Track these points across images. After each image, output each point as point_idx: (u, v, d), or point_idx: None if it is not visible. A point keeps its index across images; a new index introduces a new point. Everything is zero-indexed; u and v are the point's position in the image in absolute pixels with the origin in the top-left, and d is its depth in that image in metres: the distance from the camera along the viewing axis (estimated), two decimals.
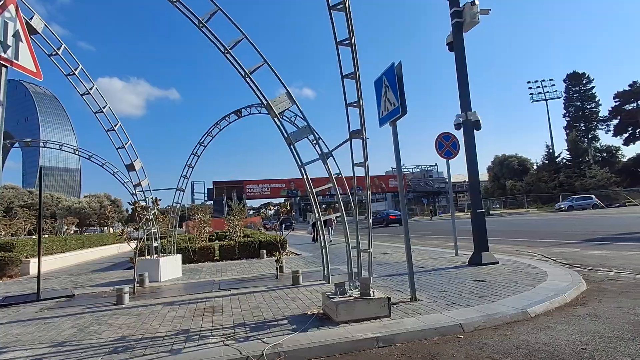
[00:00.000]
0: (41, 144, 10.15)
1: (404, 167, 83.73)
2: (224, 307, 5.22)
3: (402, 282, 6.09)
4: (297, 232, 30.32)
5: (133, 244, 7.09)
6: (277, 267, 7.70)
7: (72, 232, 35.36)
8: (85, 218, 46.22)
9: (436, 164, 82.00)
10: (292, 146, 4.45)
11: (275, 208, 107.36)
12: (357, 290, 4.57)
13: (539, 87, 61.30)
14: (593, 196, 38.68)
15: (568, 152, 52.47)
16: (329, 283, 4.09)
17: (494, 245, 10.91)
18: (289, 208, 7.77)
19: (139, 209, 7.30)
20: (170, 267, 8.58)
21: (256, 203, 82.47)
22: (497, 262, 7.49)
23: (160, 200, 7.68)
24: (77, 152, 9.91)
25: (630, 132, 53.35)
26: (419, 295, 5.03)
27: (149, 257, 8.60)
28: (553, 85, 61.06)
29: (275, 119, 4.44)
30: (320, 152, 4.53)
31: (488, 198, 55.41)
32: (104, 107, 7.46)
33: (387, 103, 5.18)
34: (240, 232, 13.67)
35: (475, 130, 7.94)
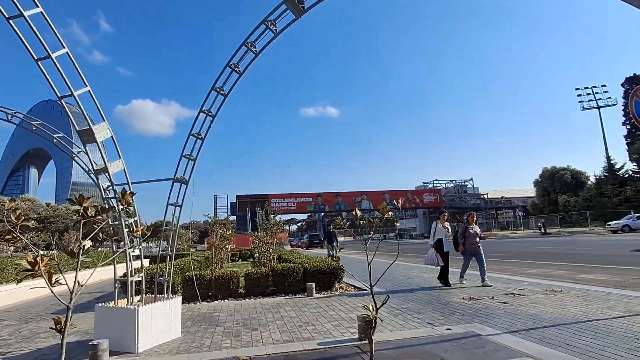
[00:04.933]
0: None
1: (436, 181, 77.26)
2: None
3: None
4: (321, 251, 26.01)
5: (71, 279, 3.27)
6: (369, 334, 3.69)
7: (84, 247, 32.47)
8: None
9: (471, 179, 75.84)
10: None
11: (299, 224, 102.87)
12: None
13: (589, 93, 55.18)
14: None
15: (635, 164, 46.01)
16: None
17: None
18: (364, 216, 3.78)
19: (90, 212, 3.50)
20: (161, 321, 4.71)
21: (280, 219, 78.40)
22: None
23: (134, 194, 3.88)
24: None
25: None
26: None
27: (120, 303, 4.75)
28: (606, 91, 54.80)
29: None
30: None
31: (537, 215, 49.24)
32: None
33: None
34: (274, 255, 9.73)
35: None
